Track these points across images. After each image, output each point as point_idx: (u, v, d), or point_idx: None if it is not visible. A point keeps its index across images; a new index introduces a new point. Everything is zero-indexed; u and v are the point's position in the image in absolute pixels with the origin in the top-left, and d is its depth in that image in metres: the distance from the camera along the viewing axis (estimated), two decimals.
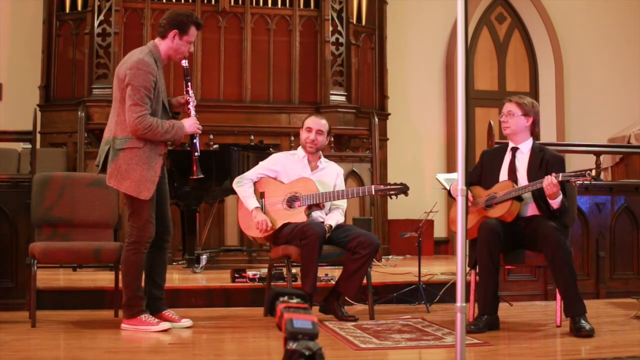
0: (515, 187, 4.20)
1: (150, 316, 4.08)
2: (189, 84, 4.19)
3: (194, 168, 4.17)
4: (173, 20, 4.10)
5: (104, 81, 7.39)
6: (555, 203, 4.11)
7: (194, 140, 4.14)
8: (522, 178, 4.28)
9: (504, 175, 4.33)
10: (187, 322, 4.17)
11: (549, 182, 4.01)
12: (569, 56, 9.60)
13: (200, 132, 4.18)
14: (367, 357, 3.46)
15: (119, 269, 4.33)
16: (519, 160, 4.34)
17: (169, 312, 4.21)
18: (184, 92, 4.22)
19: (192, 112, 4.16)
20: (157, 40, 4.14)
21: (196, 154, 4.14)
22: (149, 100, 3.99)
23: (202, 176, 4.20)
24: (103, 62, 7.44)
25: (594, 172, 3.94)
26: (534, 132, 4.39)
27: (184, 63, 4.18)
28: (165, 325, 4.04)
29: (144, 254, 4.09)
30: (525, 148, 4.36)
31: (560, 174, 4.02)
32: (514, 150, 4.38)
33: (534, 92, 9.62)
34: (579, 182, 4.05)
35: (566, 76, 9.59)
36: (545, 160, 4.27)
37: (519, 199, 4.20)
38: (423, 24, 9.11)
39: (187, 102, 4.20)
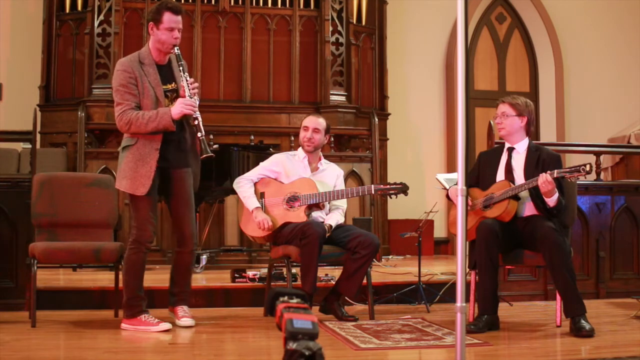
0: (512, 187, 4.20)
1: (151, 316, 4.08)
2: (181, 68, 4.10)
3: (199, 149, 4.10)
4: (148, 15, 4.18)
5: (104, 81, 7.38)
6: (551, 201, 4.11)
7: (195, 122, 4.04)
8: (519, 178, 4.28)
9: (500, 175, 4.33)
10: (186, 322, 4.18)
11: (544, 179, 4.01)
12: (569, 56, 9.60)
13: (192, 112, 4.01)
14: (367, 357, 3.46)
15: (119, 268, 4.35)
16: (515, 160, 4.35)
17: (181, 308, 4.21)
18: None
19: (187, 94, 4.05)
20: (149, 40, 4.19)
21: (199, 134, 4.04)
22: (130, 96, 4.02)
23: (212, 154, 4.04)
24: (103, 62, 7.43)
25: (588, 167, 3.93)
26: (529, 131, 4.39)
27: (175, 50, 4.10)
28: (165, 325, 4.04)
29: (145, 253, 4.09)
30: (521, 148, 4.36)
31: (555, 171, 4.02)
32: (510, 150, 4.38)
33: (534, 92, 9.62)
34: (574, 177, 4.05)
35: (566, 76, 9.59)
36: (541, 159, 4.27)
37: (515, 198, 4.20)
38: (423, 24, 9.11)
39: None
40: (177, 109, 4.00)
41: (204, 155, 4.04)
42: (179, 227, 4.21)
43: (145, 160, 4.02)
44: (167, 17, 4.05)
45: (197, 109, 4.04)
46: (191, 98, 4.03)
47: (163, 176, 4.12)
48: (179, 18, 4.09)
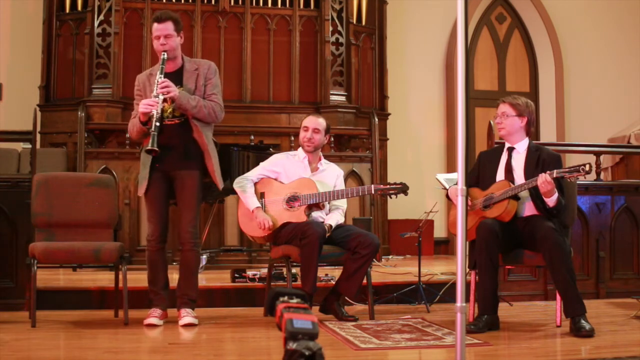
0: (512, 187, 4.20)
1: (156, 311, 4.22)
2: (159, 71, 4.18)
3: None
4: None
5: (104, 81, 7.39)
6: (550, 201, 4.11)
7: (152, 119, 4.09)
8: (519, 178, 4.27)
9: (500, 175, 4.33)
10: (185, 320, 4.20)
11: (543, 179, 4.01)
12: (569, 56, 9.60)
13: (146, 109, 4.09)
14: (367, 357, 3.45)
15: (118, 268, 4.37)
16: (515, 160, 4.34)
17: (184, 311, 4.27)
18: None
19: (153, 94, 4.14)
20: None
21: (150, 129, 4.07)
22: (137, 106, 4.25)
23: (155, 150, 4.03)
24: (103, 62, 7.43)
25: (588, 167, 3.93)
26: (530, 131, 4.39)
27: (162, 55, 4.20)
28: (148, 320, 4.15)
29: (156, 251, 4.31)
30: (521, 148, 4.36)
31: (555, 171, 4.02)
32: (510, 150, 4.38)
33: (534, 92, 9.62)
34: (573, 177, 4.04)
35: (566, 76, 9.59)
36: (541, 159, 4.26)
37: (515, 198, 4.20)
38: (423, 24, 9.11)
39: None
40: (140, 109, 4.15)
41: (147, 148, 4.08)
42: (177, 225, 4.37)
43: (145, 164, 4.27)
44: (153, 27, 4.26)
45: (156, 106, 4.09)
46: (156, 97, 4.12)
47: (169, 178, 4.30)
48: (160, 26, 4.21)
